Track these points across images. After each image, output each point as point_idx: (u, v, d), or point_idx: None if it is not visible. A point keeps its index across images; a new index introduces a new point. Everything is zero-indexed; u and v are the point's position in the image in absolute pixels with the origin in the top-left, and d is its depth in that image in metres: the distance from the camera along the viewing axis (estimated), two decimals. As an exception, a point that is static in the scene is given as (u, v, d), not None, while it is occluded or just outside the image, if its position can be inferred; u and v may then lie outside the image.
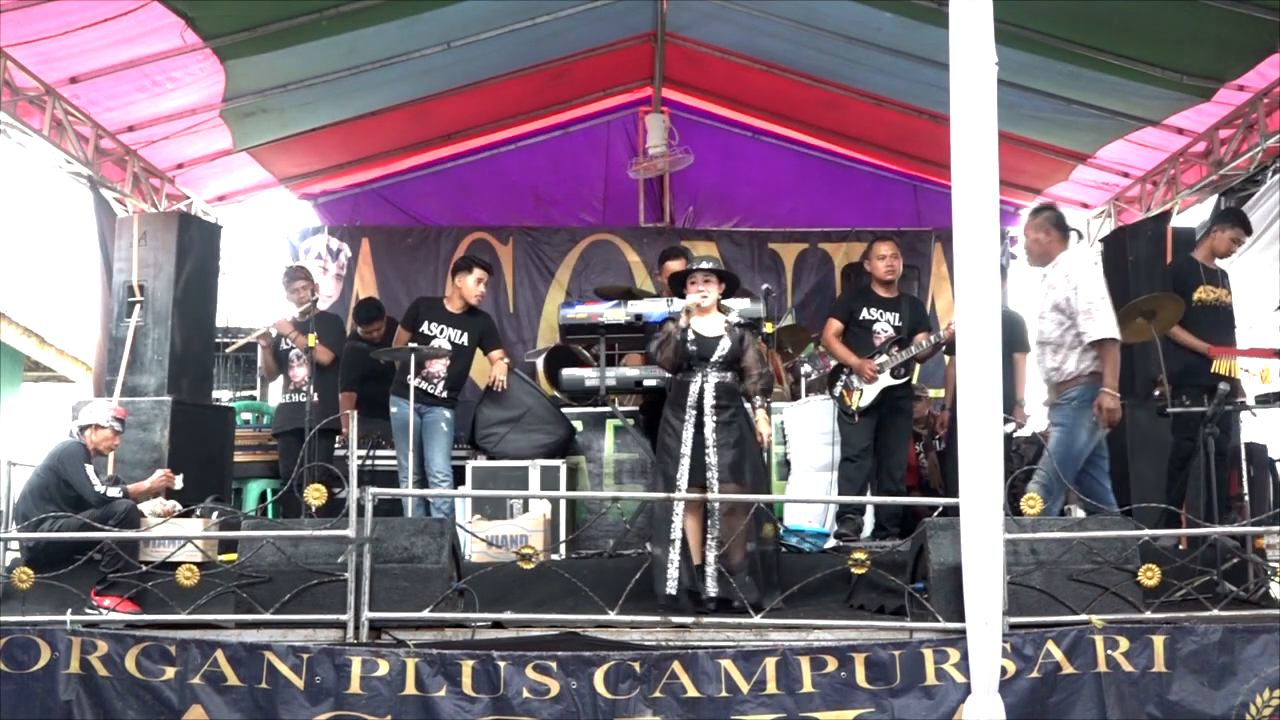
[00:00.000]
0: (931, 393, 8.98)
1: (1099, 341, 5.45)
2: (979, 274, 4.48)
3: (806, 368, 8.22)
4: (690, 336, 5.67)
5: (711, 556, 5.45)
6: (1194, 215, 8.75)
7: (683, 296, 5.90)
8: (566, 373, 7.60)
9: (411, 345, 6.75)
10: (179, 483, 6.34)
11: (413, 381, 6.69)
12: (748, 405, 5.75)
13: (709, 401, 5.59)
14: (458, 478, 7.22)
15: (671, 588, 5.38)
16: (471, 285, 7.12)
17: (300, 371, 7.46)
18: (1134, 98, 7.63)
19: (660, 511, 5.54)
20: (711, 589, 5.40)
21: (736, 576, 5.31)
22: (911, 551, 5.33)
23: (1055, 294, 5.51)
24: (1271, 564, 5.65)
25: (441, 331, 7.09)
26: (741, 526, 5.44)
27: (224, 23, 6.88)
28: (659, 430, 5.76)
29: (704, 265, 5.95)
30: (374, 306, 8.64)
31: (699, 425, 5.58)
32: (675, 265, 7.24)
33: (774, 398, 7.36)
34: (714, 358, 5.65)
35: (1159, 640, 4.49)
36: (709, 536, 5.49)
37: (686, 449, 5.55)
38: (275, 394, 8.69)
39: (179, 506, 6.32)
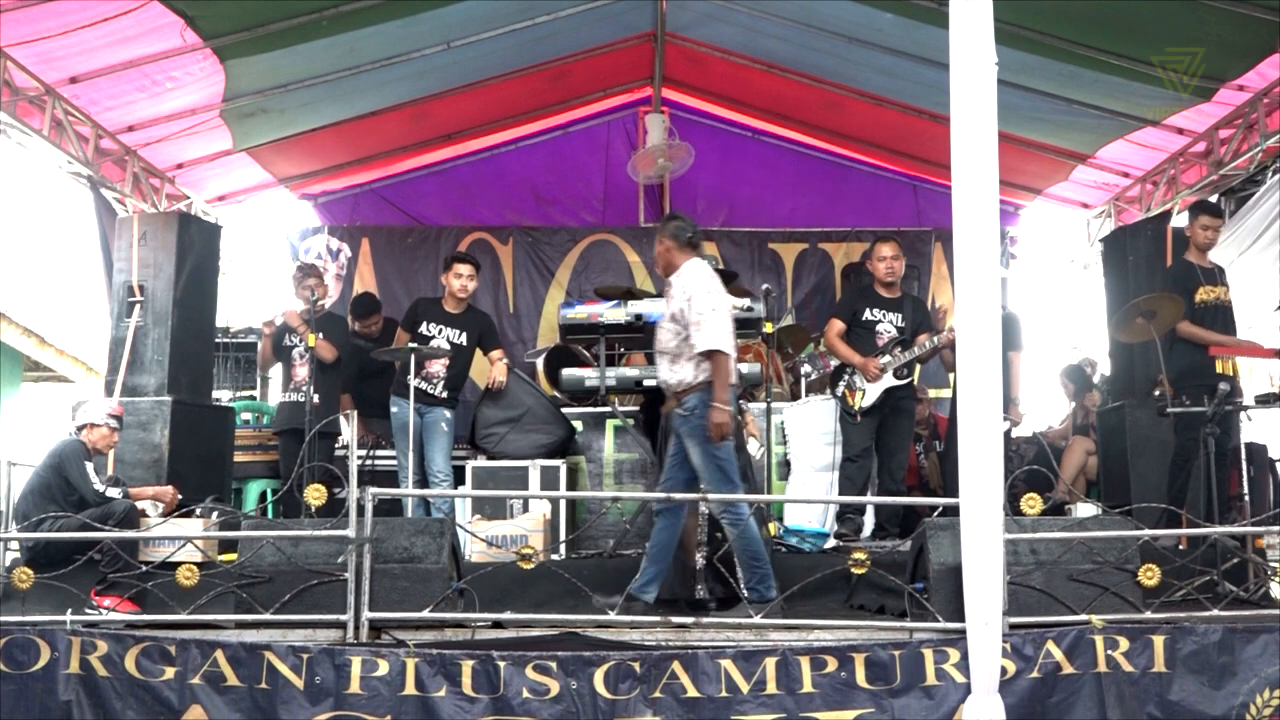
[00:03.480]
0: (932, 393, 8.99)
1: (708, 353, 5.29)
2: (979, 274, 4.48)
3: (806, 368, 8.23)
4: None
5: (709, 558, 5.46)
6: (1194, 215, 8.75)
7: None
8: (566, 373, 7.59)
9: (411, 345, 6.75)
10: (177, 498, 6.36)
11: (413, 382, 6.69)
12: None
13: None
14: (458, 478, 7.22)
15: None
16: (455, 282, 7.10)
17: (302, 371, 7.46)
18: (1134, 98, 7.63)
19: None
20: (702, 590, 5.42)
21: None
22: (911, 551, 5.34)
23: (673, 304, 5.45)
24: (1271, 564, 5.66)
25: (440, 332, 7.08)
26: None
27: (224, 23, 6.88)
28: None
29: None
30: (371, 301, 8.64)
31: None
32: None
33: (774, 398, 7.37)
34: None
35: (1159, 640, 4.49)
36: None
37: None
38: (275, 393, 8.69)
39: (179, 497, 6.35)
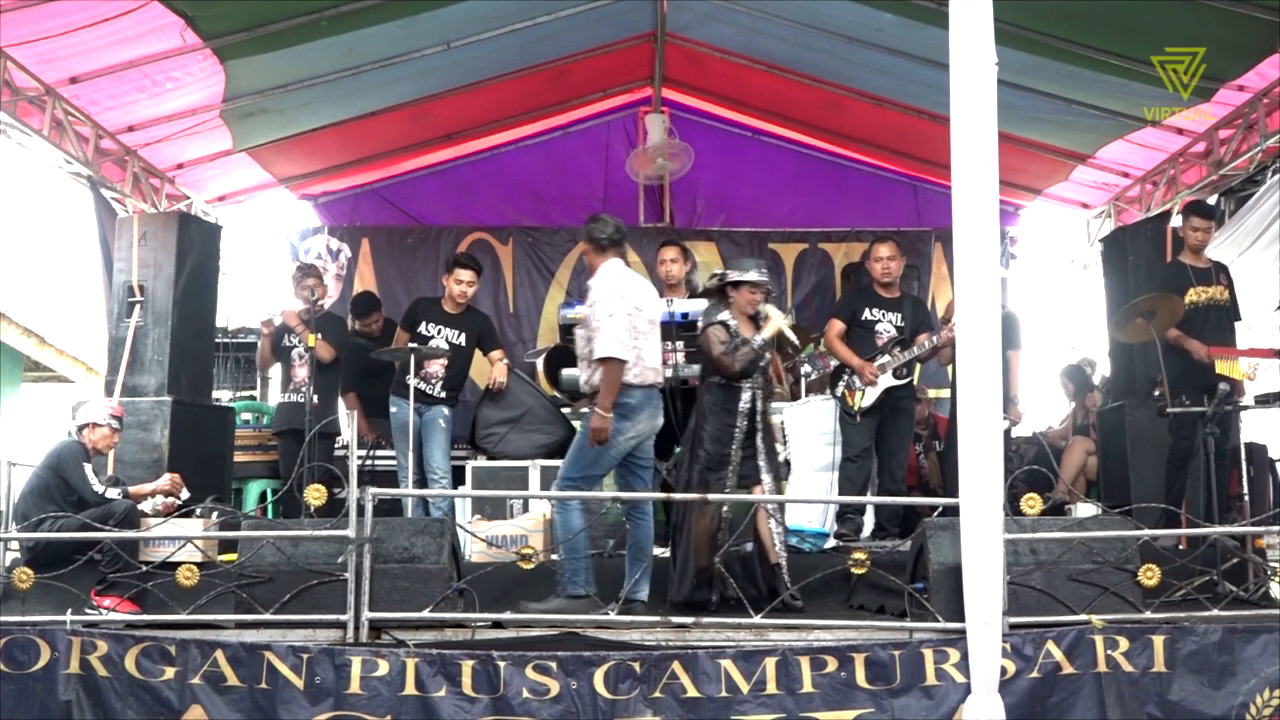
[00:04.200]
0: (932, 393, 8.98)
1: (601, 359, 5.35)
2: (979, 274, 4.49)
3: (806, 368, 8.22)
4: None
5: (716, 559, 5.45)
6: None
7: (718, 297, 5.85)
8: (566, 373, 7.58)
9: (411, 345, 6.75)
10: (185, 492, 6.34)
11: (412, 382, 6.68)
12: None
13: (759, 409, 5.70)
14: (458, 478, 7.21)
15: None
16: (455, 288, 7.05)
17: (301, 372, 7.47)
18: (1134, 98, 7.63)
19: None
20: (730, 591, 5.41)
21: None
22: (911, 551, 5.34)
23: (586, 309, 5.54)
24: (1271, 564, 5.66)
25: (439, 332, 7.06)
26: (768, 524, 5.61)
27: (224, 23, 6.88)
28: (699, 434, 5.69)
29: (764, 278, 5.82)
30: (371, 299, 8.61)
31: (750, 432, 5.67)
32: (669, 252, 7.23)
33: (774, 398, 7.37)
34: (761, 365, 5.74)
35: (1159, 640, 4.49)
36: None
37: (738, 454, 5.63)
38: (275, 393, 8.69)
39: (178, 501, 6.33)
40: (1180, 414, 6.10)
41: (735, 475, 5.63)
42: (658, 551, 6.12)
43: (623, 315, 5.37)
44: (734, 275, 5.78)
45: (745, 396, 5.67)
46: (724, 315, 5.75)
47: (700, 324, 5.84)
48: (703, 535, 5.45)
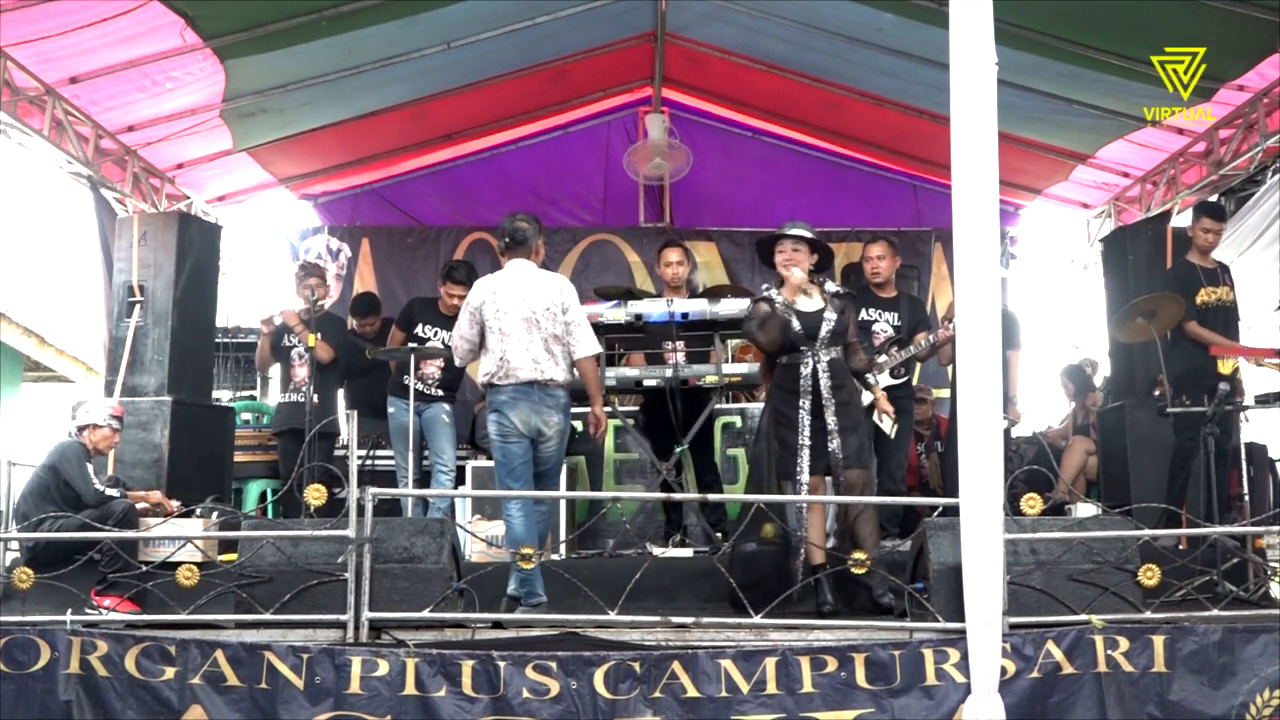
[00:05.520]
0: (936, 393, 8.98)
1: None
2: (979, 274, 4.48)
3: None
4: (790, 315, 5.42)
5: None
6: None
7: (772, 266, 5.65)
8: (565, 373, 7.58)
9: (411, 346, 6.74)
10: (174, 503, 6.34)
11: (412, 384, 6.68)
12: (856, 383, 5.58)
13: (825, 383, 5.37)
14: (457, 478, 7.21)
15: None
16: (446, 298, 7.07)
17: (301, 371, 7.46)
18: (1134, 98, 7.63)
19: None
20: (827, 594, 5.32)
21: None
22: (911, 551, 5.33)
23: None
24: (1271, 564, 5.66)
25: (436, 334, 7.07)
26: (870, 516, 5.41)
27: (224, 22, 6.88)
28: (767, 420, 5.54)
29: (796, 231, 5.53)
30: (372, 300, 8.60)
31: (817, 412, 5.37)
32: (673, 254, 7.23)
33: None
34: (821, 334, 5.42)
35: (1159, 640, 4.48)
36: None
37: (806, 438, 5.35)
38: (275, 393, 8.70)
39: (179, 505, 6.34)
40: (1181, 414, 6.10)
41: (808, 463, 5.34)
42: (657, 551, 6.13)
43: (468, 323, 5.64)
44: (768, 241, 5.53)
45: (805, 371, 5.38)
46: (767, 290, 5.61)
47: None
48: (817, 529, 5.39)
